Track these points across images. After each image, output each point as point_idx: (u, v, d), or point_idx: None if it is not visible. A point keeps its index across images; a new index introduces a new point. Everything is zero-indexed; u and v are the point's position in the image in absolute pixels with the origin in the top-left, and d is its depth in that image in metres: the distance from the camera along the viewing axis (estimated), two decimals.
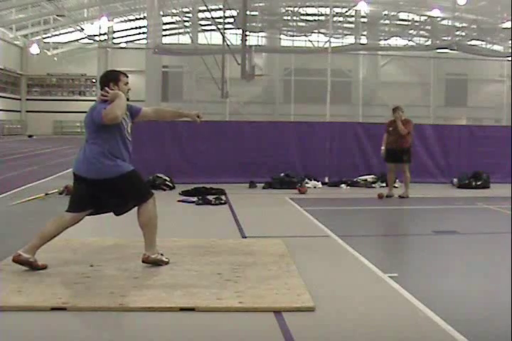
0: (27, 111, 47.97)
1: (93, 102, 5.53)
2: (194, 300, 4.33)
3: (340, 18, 34.49)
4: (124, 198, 5.30)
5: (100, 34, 27.21)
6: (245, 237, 6.98)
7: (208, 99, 33.25)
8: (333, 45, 20.64)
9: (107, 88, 5.24)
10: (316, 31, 30.80)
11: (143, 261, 5.28)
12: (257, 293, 4.51)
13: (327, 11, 29.55)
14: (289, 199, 10.53)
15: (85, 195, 5.26)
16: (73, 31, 43.95)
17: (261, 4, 31.94)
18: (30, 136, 40.86)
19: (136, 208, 5.33)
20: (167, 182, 11.68)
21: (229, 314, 4.13)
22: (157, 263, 5.29)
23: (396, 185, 11.68)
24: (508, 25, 27.67)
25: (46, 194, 10.25)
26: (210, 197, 9.99)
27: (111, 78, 5.34)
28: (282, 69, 41.23)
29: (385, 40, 33.27)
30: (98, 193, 5.23)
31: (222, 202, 9.86)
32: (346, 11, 34.61)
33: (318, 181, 12.65)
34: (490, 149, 13.15)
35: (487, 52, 29.15)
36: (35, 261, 5.11)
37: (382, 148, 11.28)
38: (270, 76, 38.34)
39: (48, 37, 44.93)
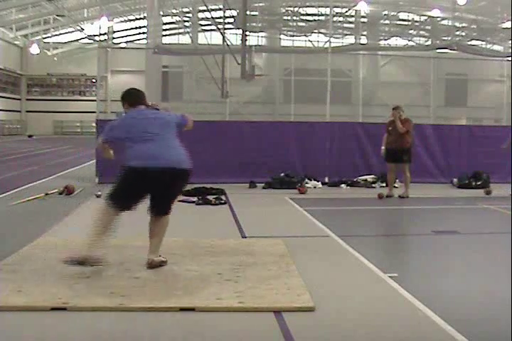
0: (27, 111, 47.91)
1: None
2: (194, 300, 4.33)
3: (340, 18, 34.48)
4: (173, 196, 5.55)
5: (100, 34, 27.14)
6: (245, 237, 6.98)
7: (208, 99, 33.24)
8: (333, 45, 20.59)
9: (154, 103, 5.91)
10: (316, 31, 30.78)
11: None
12: (257, 293, 4.51)
13: (327, 11, 29.55)
14: (289, 199, 10.53)
15: (142, 191, 5.31)
16: (73, 31, 43.92)
17: (261, 4, 31.93)
18: (30, 136, 40.82)
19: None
20: None
21: (229, 314, 4.13)
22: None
23: (396, 185, 11.68)
24: (508, 25, 27.63)
25: (46, 194, 10.25)
26: (210, 197, 10.00)
27: (143, 94, 5.71)
28: (282, 69, 41.22)
29: (385, 40, 33.26)
30: (157, 187, 5.30)
31: (222, 202, 9.86)
32: (346, 11, 34.60)
33: (318, 181, 12.64)
34: (490, 149, 13.13)
35: (487, 52, 29.06)
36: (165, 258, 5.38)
37: (383, 148, 11.29)
38: (270, 76, 38.31)
39: (48, 37, 44.91)
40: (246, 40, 18.58)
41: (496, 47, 32.17)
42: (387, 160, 11.30)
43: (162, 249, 5.43)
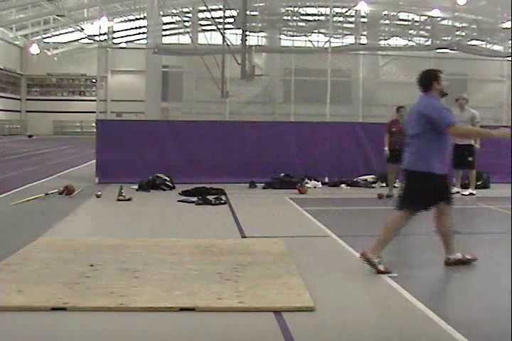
0: (27, 111, 47.91)
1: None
2: (194, 300, 4.33)
3: (340, 18, 34.46)
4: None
5: (100, 34, 27.12)
6: (245, 237, 6.98)
7: (208, 99, 33.19)
8: (333, 45, 20.55)
9: None
10: (316, 31, 30.77)
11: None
12: (257, 293, 4.51)
13: (327, 11, 29.45)
14: (289, 199, 10.53)
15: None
16: (73, 31, 43.93)
17: (261, 4, 31.88)
18: (30, 136, 40.83)
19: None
20: (167, 182, 11.68)
21: (229, 314, 4.13)
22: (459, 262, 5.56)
23: (396, 185, 11.66)
24: (508, 25, 27.64)
25: (46, 194, 10.25)
26: (210, 197, 9.99)
27: (433, 77, 5.49)
28: (282, 69, 41.18)
29: (385, 40, 33.23)
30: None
31: (222, 202, 9.86)
32: (346, 11, 34.59)
33: (318, 181, 12.64)
34: (490, 149, 13.11)
35: (487, 52, 29.04)
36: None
37: (386, 148, 11.22)
38: (270, 76, 38.28)
39: (48, 37, 44.90)
40: (246, 40, 18.58)
41: (496, 47, 32.16)
42: (390, 160, 11.24)
43: (163, 250, 5.43)
